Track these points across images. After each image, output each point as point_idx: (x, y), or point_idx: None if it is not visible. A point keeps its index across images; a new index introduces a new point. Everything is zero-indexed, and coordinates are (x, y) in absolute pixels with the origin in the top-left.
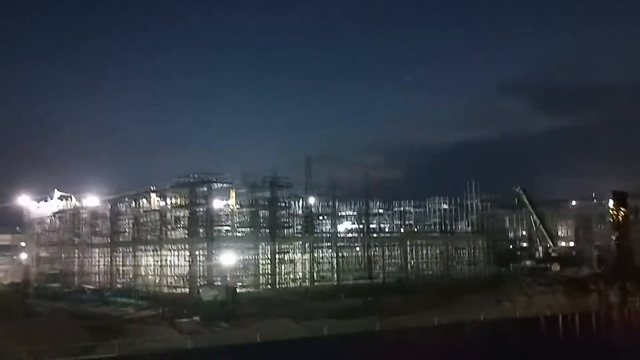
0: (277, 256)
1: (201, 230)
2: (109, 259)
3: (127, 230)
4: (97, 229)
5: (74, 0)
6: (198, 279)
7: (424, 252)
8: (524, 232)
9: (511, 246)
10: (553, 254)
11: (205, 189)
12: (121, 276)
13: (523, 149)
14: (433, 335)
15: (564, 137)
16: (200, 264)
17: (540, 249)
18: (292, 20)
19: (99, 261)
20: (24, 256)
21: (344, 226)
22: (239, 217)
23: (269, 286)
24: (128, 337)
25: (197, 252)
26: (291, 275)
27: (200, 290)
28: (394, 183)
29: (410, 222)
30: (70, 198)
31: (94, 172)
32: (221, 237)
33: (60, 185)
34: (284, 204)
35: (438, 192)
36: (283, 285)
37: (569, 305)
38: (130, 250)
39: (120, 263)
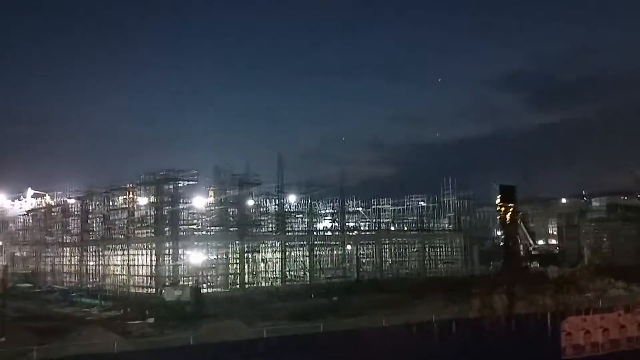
0: (246, 255)
1: (167, 229)
2: (79, 259)
3: (96, 229)
4: (69, 228)
5: None
6: (164, 279)
7: (400, 250)
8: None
9: (490, 245)
10: (533, 252)
11: (171, 186)
12: (91, 276)
13: (518, 145)
14: (370, 337)
15: (559, 133)
16: (166, 263)
17: (520, 247)
18: (284, 15)
19: (70, 261)
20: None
21: (323, 224)
22: (208, 216)
23: (238, 286)
24: (66, 341)
25: (163, 251)
26: (262, 275)
27: (162, 290)
28: (388, 179)
29: (388, 219)
30: (44, 196)
31: (69, 170)
32: (188, 236)
33: (36, 184)
34: (253, 202)
35: (429, 188)
36: (253, 285)
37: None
38: (100, 249)
39: (90, 262)
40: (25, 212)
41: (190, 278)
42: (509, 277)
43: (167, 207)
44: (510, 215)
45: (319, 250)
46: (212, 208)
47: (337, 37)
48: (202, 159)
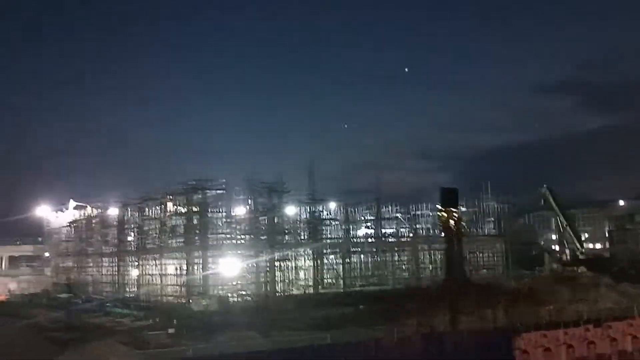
0: (277, 263)
1: (197, 239)
2: (116, 269)
3: (132, 239)
4: (107, 239)
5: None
6: (194, 289)
7: (438, 256)
8: (555, 235)
9: (537, 249)
10: (580, 257)
11: (199, 196)
12: (127, 286)
13: (568, 149)
14: (367, 349)
15: (610, 137)
16: (196, 273)
17: (567, 251)
18: (319, 23)
19: (108, 271)
20: (46, 266)
21: (360, 231)
22: (239, 225)
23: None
24: (75, 353)
25: (193, 261)
26: (294, 283)
27: (190, 300)
28: (434, 186)
29: (428, 225)
30: (85, 207)
31: (109, 181)
32: (218, 245)
33: (77, 195)
34: (285, 210)
35: (472, 194)
36: (285, 293)
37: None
38: (135, 259)
39: (126, 272)
40: (67, 224)
41: (220, 287)
42: (450, 290)
43: (196, 217)
44: (454, 221)
45: (353, 258)
46: (243, 217)
47: (378, 46)
48: (241, 169)
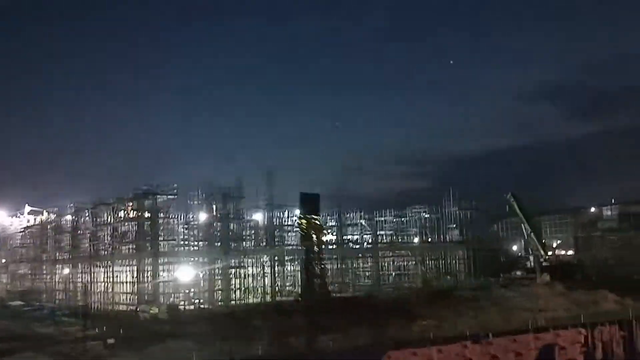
0: (232, 271)
1: (148, 245)
2: (70, 276)
3: (85, 245)
4: (61, 245)
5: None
6: (144, 297)
7: (399, 263)
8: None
9: (504, 256)
10: (544, 264)
11: (150, 201)
12: (80, 293)
13: (553, 155)
14: None
15: (596, 143)
16: (147, 280)
17: (531, 258)
18: (305, 29)
19: (61, 278)
20: (3, 273)
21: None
22: (193, 231)
23: (221, 303)
24: None
25: (144, 268)
26: (250, 291)
27: (137, 308)
28: (419, 192)
29: (390, 232)
30: (41, 213)
31: (66, 185)
32: (169, 252)
33: (33, 201)
34: (238, 217)
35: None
36: (240, 301)
37: None
38: (87, 266)
39: (78, 279)
40: (21, 229)
41: (171, 295)
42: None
43: (147, 222)
44: (315, 230)
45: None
46: (198, 223)
47: (367, 52)
48: (204, 175)
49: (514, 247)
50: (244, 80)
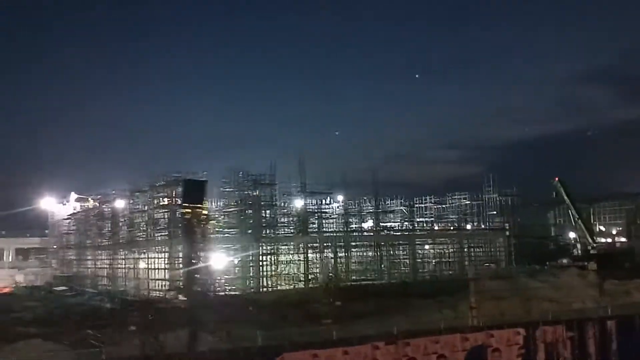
0: (264, 257)
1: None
2: (106, 261)
3: (123, 232)
4: (103, 231)
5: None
6: (175, 283)
7: (435, 251)
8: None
9: (553, 243)
10: (592, 252)
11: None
12: (120, 279)
13: (607, 140)
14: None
15: None
16: (178, 267)
17: (578, 246)
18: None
19: (103, 263)
20: (53, 259)
21: (363, 225)
22: (226, 218)
23: (252, 290)
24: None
25: (177, 255)
26: (283, 278)
27: (167, 295)
28: (470, 178)
29: (431, 219)
30: (87, 200)
31: (111, 173)
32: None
33: (81, 187)
34: (270, 203)
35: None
36: (273, 288)
37: None
38: (126, 252)
39: (119, 265)
40: (67, 216)
41: (203, 282)
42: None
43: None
44: (198, 219)
45: (347, 252)
46: (230, 209)
47: (414, 37)
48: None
49: (570, 235)
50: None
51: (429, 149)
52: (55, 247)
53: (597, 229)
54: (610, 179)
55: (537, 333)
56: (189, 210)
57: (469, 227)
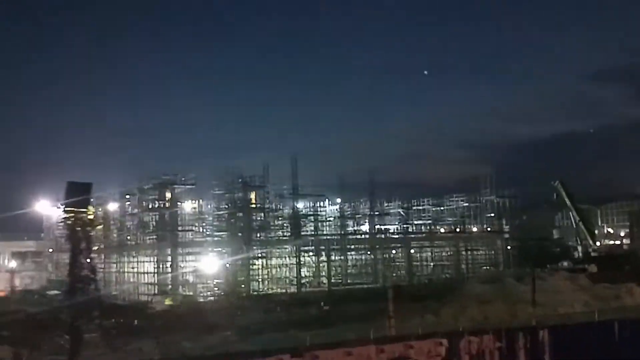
0: (253, 261)
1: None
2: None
3: (115, 235)
4: (96, 234)
5: None
6: (162, 287)
7: (432, 254)
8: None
9: (557, 246)
10: (593, 254)
11: (169, 191)
12: (110, 283)
13: (618, 139)
14: None
15: None
16: (166, 270)
17: (579, 248)
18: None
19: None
20: (50, 262)
21: (359, 228)
22: (215, 221)
23: (244, 294)
24: None
25: (164, 258)
26: (273, 282)
27: (153, 299)
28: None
29: (428, 221)
30: None
31: (106, 175)
32: (190, 242)
33: None
34: (261, 206)
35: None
36: (262, 292)
37: None
38: (117, 256)
39: (110, 269)
40: (62, 219)
41: (190, 286)
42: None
43: (166, 212)
44: (81, 224)
45: (341, 255)
46: (219, 213)
47: (419, 35)
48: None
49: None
50: (282, 65)
51: (437, 150)
52: (51, 250)
53: (605, 231)
54: (621, 180)
55: (462, 344)
56: (72, 215)
57: (470, 228)
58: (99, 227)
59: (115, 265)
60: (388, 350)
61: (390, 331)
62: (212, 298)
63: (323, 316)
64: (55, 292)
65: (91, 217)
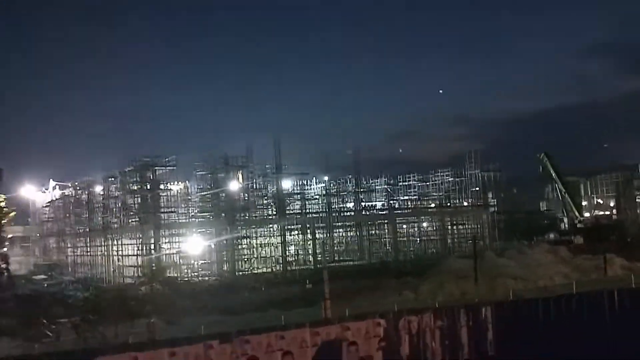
0: (239, 241)
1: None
2: (85, 249)
3: (98, 219)
4: (80, 218)
5: None
6: (145, 270)
7: (418, 229)
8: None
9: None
10: (579, 226)
11: (149, 173)
12: (96, 267)
13: (608, 113)
14: None
15: None
16: (150, 253)
17: (565, 220)
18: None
19: (81, 251)
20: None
21: (346, 205)
22: (197, 202)
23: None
24: None
25: (147, 240)
26: (259, 261)
27: (136, 282)
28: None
29: (414, 197)
30: (66, 187)
31: (91, 159)
32: (173, 224)
33: (59, 174)
34: (245, 186)
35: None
36: (248, 271)
37: None
38: (102, 239)
39: (94, 253)
40: (46, 204)
41: (174, 268)
42: None
43: (148, 195)
44: None
45: (327, 233)
46: (201, 193)
47: (413, 14)
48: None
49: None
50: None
51: (433, 126)
52: (37, 235)
53: (595, 202)
54: (612, 151)
55: (400, 323)
56: None
57: (456, 203)
58: (11, 215)
59: (100, 248)
60: (323, 333)
61: (326, 313)
62: (196, 279)
63: (306, 295)
64: (42, 277)
65: (2, 204)
